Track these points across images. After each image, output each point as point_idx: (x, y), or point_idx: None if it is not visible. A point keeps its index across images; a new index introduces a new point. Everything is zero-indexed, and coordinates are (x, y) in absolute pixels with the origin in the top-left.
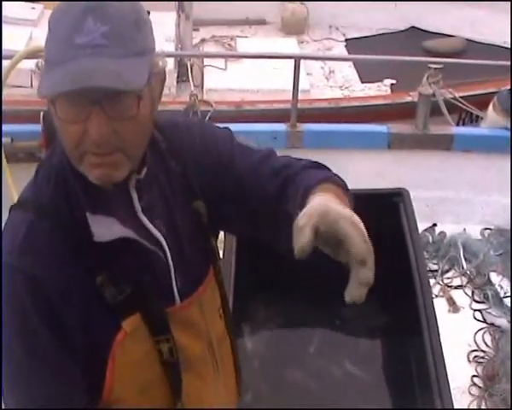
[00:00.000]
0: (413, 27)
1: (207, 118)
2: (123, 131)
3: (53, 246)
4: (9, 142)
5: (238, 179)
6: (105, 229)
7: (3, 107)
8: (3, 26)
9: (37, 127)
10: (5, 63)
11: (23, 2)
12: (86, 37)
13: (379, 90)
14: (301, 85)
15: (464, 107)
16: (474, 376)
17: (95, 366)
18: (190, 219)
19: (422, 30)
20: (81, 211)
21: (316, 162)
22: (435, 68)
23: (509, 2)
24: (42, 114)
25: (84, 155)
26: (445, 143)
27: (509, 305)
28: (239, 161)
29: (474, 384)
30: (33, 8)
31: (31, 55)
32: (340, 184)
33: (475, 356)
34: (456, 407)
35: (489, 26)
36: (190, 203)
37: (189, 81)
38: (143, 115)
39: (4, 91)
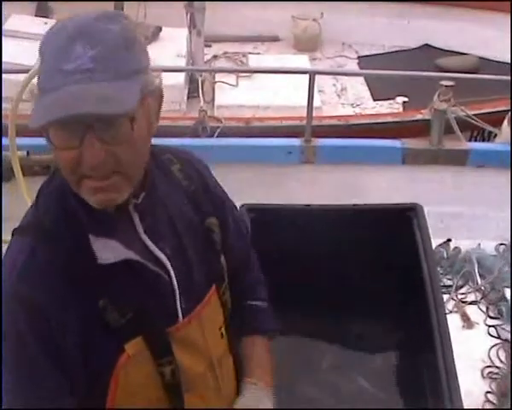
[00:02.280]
0: (426, 45)
1: (216, 134)
2: (118, 154)
3: (53, 271)
4: (25, 155)
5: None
6: (108, 251)
7: (19, 121)
8: (16, 41)
9: None
10: (20, 78)
11: (35, 18)
12: (74, 63)
13: (391, 108)
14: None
15: (477, 123)
16: (487, 392)
17: (97, 388)
18: (202, 238)
19: (435, 48)
20: (83, 234)
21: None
22: (446, 86)
23: None
24: None
25: (82, 180)
26: (459, 159)
27: None
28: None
29: (488, 401)
30: (46, 23)
31: None
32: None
33: (489, 372)
34: None
35: (502, 45)
36: (203, 222)
37: (199, 97)
38: (139, 137)
39: (20, 106)
